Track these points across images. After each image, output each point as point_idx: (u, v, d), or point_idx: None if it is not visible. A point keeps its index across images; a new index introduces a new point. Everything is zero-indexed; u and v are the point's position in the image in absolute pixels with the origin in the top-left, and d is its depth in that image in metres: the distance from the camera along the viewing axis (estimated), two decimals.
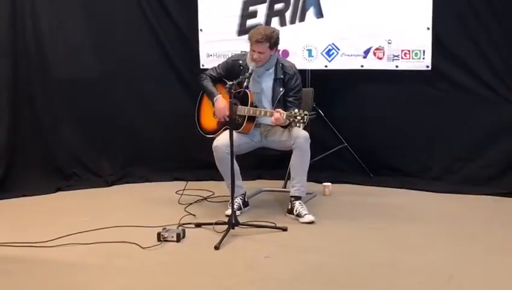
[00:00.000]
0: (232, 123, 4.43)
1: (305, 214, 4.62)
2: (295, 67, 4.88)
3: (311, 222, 4.58)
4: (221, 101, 4.83)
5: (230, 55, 5.38)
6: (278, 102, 4.78)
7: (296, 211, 4.66)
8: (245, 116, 4.73)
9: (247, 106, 4.73)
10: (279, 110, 4.57)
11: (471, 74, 5.49)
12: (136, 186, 5.80)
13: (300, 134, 4.65)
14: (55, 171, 5.76)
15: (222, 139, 4.66)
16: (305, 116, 4.43)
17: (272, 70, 4.83)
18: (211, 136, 4.89)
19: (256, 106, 4.77)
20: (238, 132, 4.74)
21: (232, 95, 4.38)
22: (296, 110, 4.48)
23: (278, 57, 4.93)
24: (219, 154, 4.67)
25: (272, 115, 4.58)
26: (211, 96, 4.89)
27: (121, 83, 5.96)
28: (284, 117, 4.49)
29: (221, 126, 4.86)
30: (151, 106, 6.07)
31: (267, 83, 4.83)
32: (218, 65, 5.00)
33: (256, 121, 4.81)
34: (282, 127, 4.69)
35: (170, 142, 6.04)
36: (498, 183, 5.37)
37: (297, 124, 4.48)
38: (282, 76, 4.80)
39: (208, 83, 4.93)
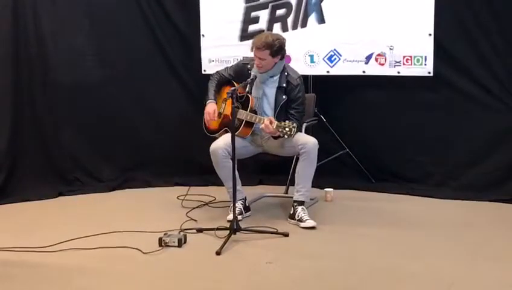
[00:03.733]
0: (232, 126, 4.44)
1: (307, 219, 4.62)
2: (300, 79, 4.86)
3: (313, 227, 4.58)
4: (210, 106, 4.85)
5: (232, 61, 5.42)
6: (280, 109, 4.79)
7: (298, 216, 4.66)
8: (243, 120, 4.74)
9: (247, 110, 4.74)
10: (271, 118, 4.56)
11: (472, 79, 5.49)
12: (138, 191, 5.80)
13: (310, 140, 4.65)
14: (57, 176, 5.77)
15: (219, 143, 4.68)
16: (293, 129, 4.42)
17: (276, 78, 4.83)
18: (213, 135, 4.92)
19: (255, 111, 4.77)
20: (236, 136, 4.73)
21: (234, 99, 4.39)
22: (287, 122, 4.47)
23: (286, 65, 4.91)
24: (216, 158, 4.68)
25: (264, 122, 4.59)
26: (206, 98, 4.92)
27: (122, 88, 5.97)
28: (274, 127, 4.49)
29: (221, 127, 4.88)
30: (152, 111, 6.07)
31: (271, 90, 4.84)
32: (231, 66, 5.04)
33: (254, 126, 4.81)
34: (273, 137, 4.67)
35: (172, 147, 6.04)
36: (500, 189, 5.36)
37: (284, 135, 4.47)
38: (285, 84, 4.80)
39: (212, 85, 4.95)
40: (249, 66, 4.86)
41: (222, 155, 4.58)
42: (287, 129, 4.44)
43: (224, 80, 4.97)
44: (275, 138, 4.67)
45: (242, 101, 4.76)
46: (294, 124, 4.45)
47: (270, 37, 4.74)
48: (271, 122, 4.51)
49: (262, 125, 4.57)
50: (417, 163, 5.75)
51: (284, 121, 4.49)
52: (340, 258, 4.04)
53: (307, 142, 4.65)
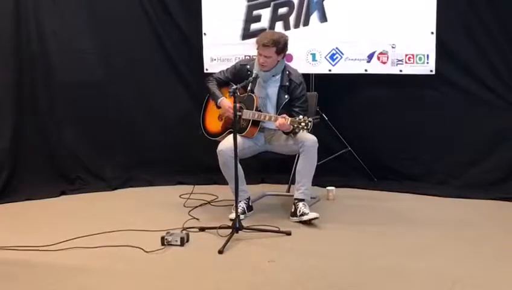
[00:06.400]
0: (236, 126, 4.44)
1: (309, 213, 4.62)
2: (301, 77, 4.90)
3: (316, 218, 4.58)
4: (226, 101, 4.84)
5: (234, 60, 5.41)
6: (282, 108, 4.79)
7: (300, 211, 4.66)
8: (249, 120, 4.74)
9: (253, 110, 4.75)
10: (284, 115, 4.58)
11: (474, 78, 5.49)
12: (140, 190, 5.80)
13: (309, 138, 4.66)
14: (59, 174, 5.77)
15: (226, 144, 4.66)
16: (309, 123, 4.44)
17: (278, 77, 4.84)
18: (215, 138, 4.91)
19: (260, 111, 4.78)
20: (242, 136, 4.75)
21: (236, 98, 4.39)
22: (301, 117, 4.50)
23: (286, 64, 4.94)
24: (224, 159, 4.68)
25: (276, 120, 4.59)
26: (215, 99, 4.91)
27: (125, 87, 5.97)
28: (288, 123, 4.50)
29: (225, 129, 4.87)
30: (155, 109, 6.07)
31: (273, 89, 4.85)
32: (227, 69, 5.02)
33: (260, 125, 4.82)
34: (284, 133, 4.69)
35: (174, 146, 6.04)
36: (502, 187, 5.37)
37: (301, 130, 4.50)
38: (287, 83, 4.81)
39: (213, 86, 4.96)
40: (248, 66, 4.86)
41: (230, 156, 4.56)
42: (302, 124, 4.46)
43: (222, 83, 4.97)
44: (287, 133, 4.68)
45: (245, 100, 4.77)
46: (310, 118, 4.48)
47: (275, 34, 4.82)
48: (285, 119, 4.52)
49: (277, 123, 4.58)
50: (419, 161, 5.75)
51: (298, 117, 4.50)
52: (343, 256, 4.04)
53: (306, 140, 4.66)
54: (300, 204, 4.71)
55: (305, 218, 4.61)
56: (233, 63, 5.16)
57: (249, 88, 4.69)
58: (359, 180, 5.80)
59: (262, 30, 5.54)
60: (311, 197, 4.95)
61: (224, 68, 5.07)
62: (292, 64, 5.20)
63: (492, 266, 3.84)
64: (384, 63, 5.52)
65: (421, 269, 3.77)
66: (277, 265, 3.89)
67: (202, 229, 4.50)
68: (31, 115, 5.68)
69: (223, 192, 5.22)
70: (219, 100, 4.88)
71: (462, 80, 5.52)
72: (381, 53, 5.52)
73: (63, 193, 5.62)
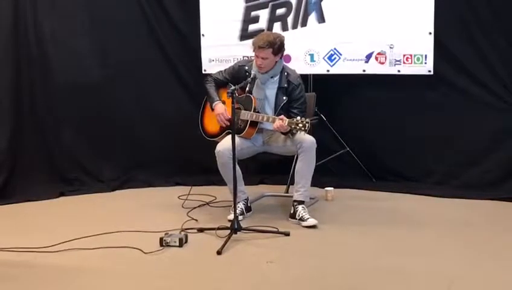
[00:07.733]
0: (232, 126, 4.43)
1: (308, 218, 4.62)
2: (300, 78, 4.89)
3: (314, 226, 4.58)
4: (220, 106, 4.83)
5: (232, 60, 5.41)
6: (280, 110, 4.79)
7: (299, 215, 4.66)
8: (247, 120, 4.74)
9: (251, 110, 4.74)
10: (282, 117, 4.57)
11: (473, 78, 5.49)
12: (138, 191, 5.80)
13: (307, 139, 4.65)
14: (58, 176, 5.77)
15: (225, 144, 4.66)
16: (307, 124, 4.44)
17: (276, 78, 4.83)
18: (213, 139, 4.91)
19: (258, 112, 4.78)
20: (240, 137, 4.74)
21: (235, 99, 4.39)
22: (298, 118, 4.49)
23: (284, 65, 4.93)
24: (222, 159, 4.67)
25: (274, 121, 4.59)
26: (211, 101, 4.90)
27: (123, 88, 5.97)
28: (286, 124, 4.50)
29: (224, 130, 4.87)
30: (153, 110, 6.07)
31: (271, 91, 4.84)
32: (225, 69, 5.01)
33: (258, 126, 4.81)
34: (282, 133, 4.69)
35: (172, 147, 6.04)
36: (500, 188, 5.37)
37: (299, 132, 4.49)
38: (286, 85, 4.81)
39: (211, 87, 4.94)
40: (246, 67, 4.86)
41: (228, 157, 4.55)
42: (300, 125, 4.45)
43: (220, 83, 4.96)
44: (284, 133, 4.68)
45: (243, 101, 4.77)
46: (308, 120, 4.48)
47: (271, 35, 4.78)
48: (283, 121, 4.52)
49: (275, 126, 4.57)
50: (417, 161, 5.75)
51: (296, 118, 4.51)
52: (341, 257, 4.04)
53: (304, 140, 4.65)
54: (300, 207, 4.70)
55: (303, 224, 4.61)
56: (231, 64, 5.15)
57: (247, 89, 4.68)
58: (358, 181, 5.80)
59: (261, 31, 5.54)
60: (310, 198, 4.95)
61: (223, 69, 5.07)
62: (290, 65, 5.20)
63: (492, 266, 3.84)
64: (382, 63, 5.52)
65: (419, 269, 3.77)
66: (276, 266, 3.88)
67: (201, 230, 4.49)
68: (29, 116, 5.69)
69: (222, 193, 5.21)
70: (214, 103, 4.87)
71: (461, 80, 5.52)
72: (379, 53, 5.52)
73: (62, 194, 5.63)
